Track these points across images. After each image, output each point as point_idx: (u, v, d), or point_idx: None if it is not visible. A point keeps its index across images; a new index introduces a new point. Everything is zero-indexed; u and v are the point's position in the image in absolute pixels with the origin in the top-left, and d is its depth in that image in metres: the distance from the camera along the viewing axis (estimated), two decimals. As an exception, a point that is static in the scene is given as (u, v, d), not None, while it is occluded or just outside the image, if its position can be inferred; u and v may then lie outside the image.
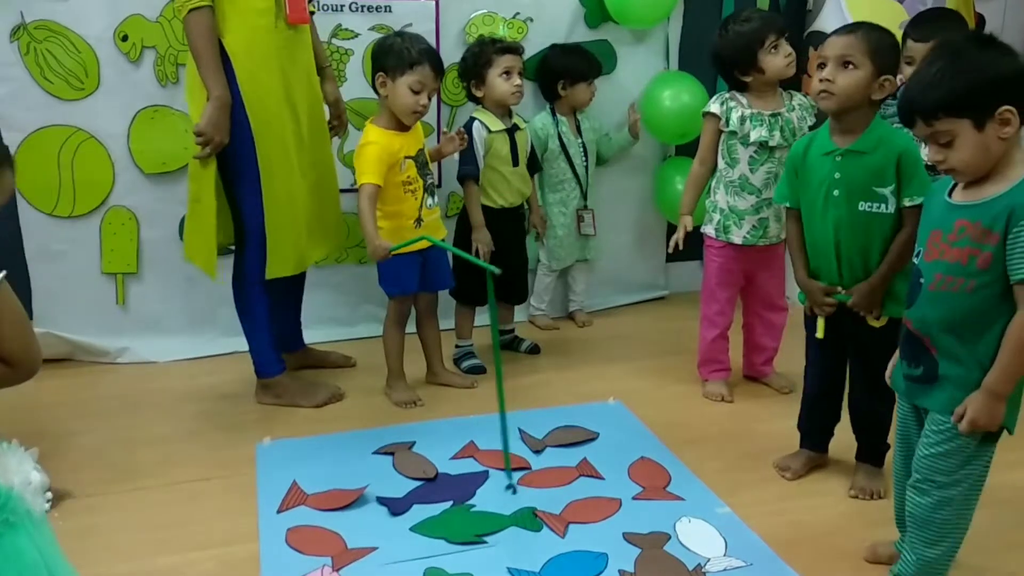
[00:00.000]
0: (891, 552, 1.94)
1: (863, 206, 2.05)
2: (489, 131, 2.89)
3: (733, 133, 2.60)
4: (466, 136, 2.82)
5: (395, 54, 2.51)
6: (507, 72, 2.85)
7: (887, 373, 1.86)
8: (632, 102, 3.42)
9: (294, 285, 2.83)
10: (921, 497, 1.72)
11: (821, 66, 2.04)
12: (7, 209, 2.90)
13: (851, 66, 2.00)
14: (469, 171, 2.89)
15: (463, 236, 2.94)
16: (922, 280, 1.67)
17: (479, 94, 2.93)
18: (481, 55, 2.88)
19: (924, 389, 1.71)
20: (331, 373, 2.96)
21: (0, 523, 1.05)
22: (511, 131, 2.93)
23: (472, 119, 2.92)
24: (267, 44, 2.40)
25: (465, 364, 3.00)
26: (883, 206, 2.04)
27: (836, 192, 2.07)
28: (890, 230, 2.07)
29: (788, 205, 2.22)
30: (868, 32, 2.02)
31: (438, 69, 2.58)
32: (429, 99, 2.56)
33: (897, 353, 1.81)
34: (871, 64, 1.99)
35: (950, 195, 1.67)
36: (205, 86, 2.34)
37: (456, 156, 2.89)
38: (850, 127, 2.06)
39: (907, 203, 2.02)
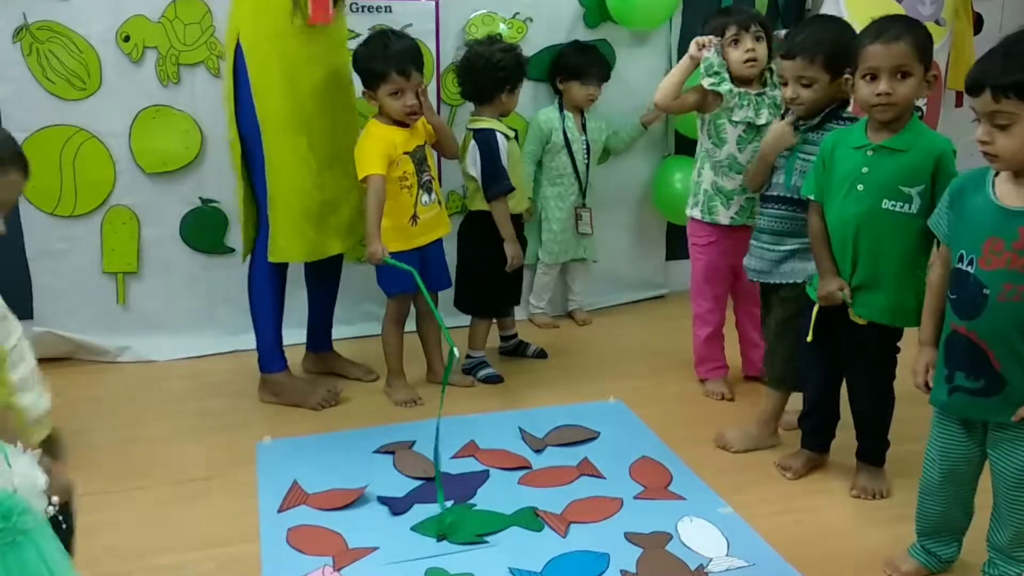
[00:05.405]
0: (915, 566, 1.91)
1: (887, 204, 2.00)
2: (508, 139, 2.79)
3: (718, 115, 2.58)
4: None
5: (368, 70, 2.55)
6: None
7: (919, 384, 1.80)
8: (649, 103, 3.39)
9: (325, 280, 2.84)
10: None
11: (871, 77, 1.95)
12: (8, 208, 2.91)
13: (908, 76, 1.94)
14: (504, 187, 2.73)
15: (466, 240, 2.90)
16: (986, 291, 1.61)
17: (486, 111, 2.80)
18: (495, 81, 2.73)
19: (986, 402, 1.67)
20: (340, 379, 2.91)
21: (9, 539, 1.04)
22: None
23: (491, 131, 2.75)
24: (282, 39, 2.44)
25: (482, 373, 2.92)
26: (908, 206, 1.99)
27: (860, 187, 2.02)
28: (912, 233, 2.00)
29: (813, 198, 2.16)
30: (912, 33, 1.95)
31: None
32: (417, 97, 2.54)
33: (936, 367, 1.75)
34: (921, 67, 1.94)
35: (995, 196, 1.61)
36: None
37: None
38: (891, 125, 2.01)
39: None
